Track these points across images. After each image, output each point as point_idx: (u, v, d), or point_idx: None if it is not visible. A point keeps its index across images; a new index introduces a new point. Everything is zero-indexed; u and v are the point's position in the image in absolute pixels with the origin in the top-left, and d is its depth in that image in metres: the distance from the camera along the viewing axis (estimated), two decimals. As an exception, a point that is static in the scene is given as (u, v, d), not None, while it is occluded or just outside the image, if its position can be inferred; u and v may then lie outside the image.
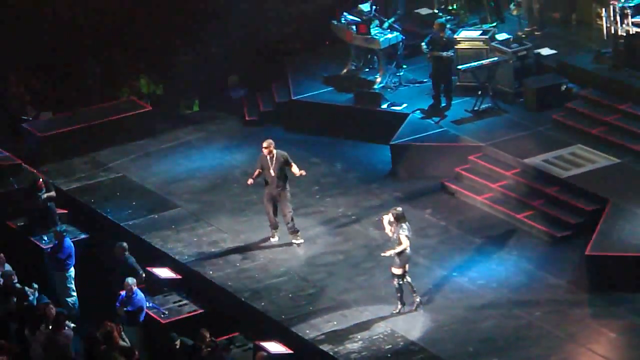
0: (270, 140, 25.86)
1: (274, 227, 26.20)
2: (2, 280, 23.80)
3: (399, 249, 23.09)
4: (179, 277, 24.91)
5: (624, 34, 28.66)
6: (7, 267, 24.47)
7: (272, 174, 25.54)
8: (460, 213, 26.82)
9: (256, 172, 25.78)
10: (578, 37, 30.71)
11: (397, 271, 23.28)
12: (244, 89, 32.59)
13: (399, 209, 23.37)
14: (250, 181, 26.04)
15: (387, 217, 23.24)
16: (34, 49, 31.76)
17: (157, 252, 25.95)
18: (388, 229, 23.24)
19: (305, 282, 24.90)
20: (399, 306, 23.49)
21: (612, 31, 29.01)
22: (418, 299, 23.47)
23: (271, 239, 26.25)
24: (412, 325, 23.11)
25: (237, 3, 32.48)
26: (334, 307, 23.97)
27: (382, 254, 23.27)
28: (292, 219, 26.00)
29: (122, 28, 32.58)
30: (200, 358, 22.23)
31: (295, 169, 25.79)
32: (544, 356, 22.10)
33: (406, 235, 23.09)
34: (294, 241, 26.07)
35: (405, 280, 23.35)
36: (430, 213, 26.00)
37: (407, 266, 23.30)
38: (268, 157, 25.58)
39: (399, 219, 23.17)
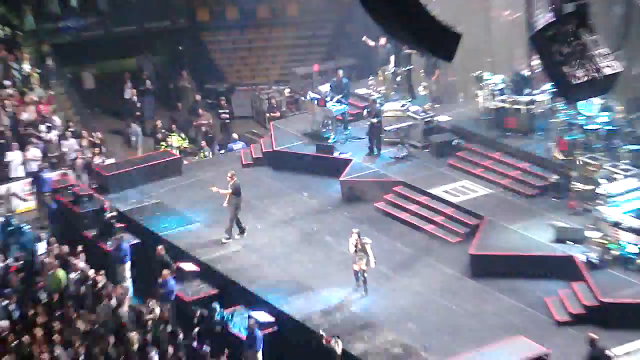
0: (233, 172, 26.15)
1: (241, 231, 26.20)
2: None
3: (371, 257, 23.01)
4: (198, 269, 24.94)
5: (494, 107, 28.74)
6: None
7: (228, 193, 25.71)
8: (388, 226, 26.72)
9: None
10: (464, 109, 30.57)
11: (365, 267, 23.16)
12: (242, 143, 32.61)
13: (357, 230, 23.33)
14: (214, 189, 26.06)
15: (352, 238, 23.08)
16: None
17: (183, 252, 25.84)
18: (352, 247, 23.07)
19: (282, 272, 24.85)
20: (363, 293, 23.33)
21: (486, 105, 29.05)
22: (366, 290, 23.37)
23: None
24: (362, 305, 23.14)
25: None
26: (302, 290, 23.93)
27: (371, 266, 23.13)
28: (231, 225, 25.95)
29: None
30: (213, 323, 22.32)
31: (222, 191, 25.84)
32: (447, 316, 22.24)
33: (369, 244, 23.07)
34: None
35: (365, 273, 23.27)
36: (367, 226, 25.99)
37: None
38: (230, 182, 25.73)
39: (360, 235, 23.16)
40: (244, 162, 31.11)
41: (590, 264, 22.84)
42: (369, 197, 28.06)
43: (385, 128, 29.57)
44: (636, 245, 22.67)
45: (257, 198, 28.65)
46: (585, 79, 15.06)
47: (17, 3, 36.04)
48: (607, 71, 15.20)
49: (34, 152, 30.66)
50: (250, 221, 27.13)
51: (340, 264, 24.63)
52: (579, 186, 25.12)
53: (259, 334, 21.27)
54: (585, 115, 26.51)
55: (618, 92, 23.52)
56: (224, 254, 25.75)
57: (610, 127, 26.22)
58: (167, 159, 30.83)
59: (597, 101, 26.16)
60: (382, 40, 31.39)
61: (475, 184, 27.46)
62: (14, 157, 30.61)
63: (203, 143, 33.31)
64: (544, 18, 19.57)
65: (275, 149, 30.97)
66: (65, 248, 25.15)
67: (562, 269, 23.23)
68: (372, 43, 31.49)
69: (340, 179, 28.69)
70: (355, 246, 23.10)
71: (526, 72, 28.88)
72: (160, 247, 24.68)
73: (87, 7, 37.52)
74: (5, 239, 26.42)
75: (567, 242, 23.85)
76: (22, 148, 30.76)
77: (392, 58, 31.67)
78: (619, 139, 25.99)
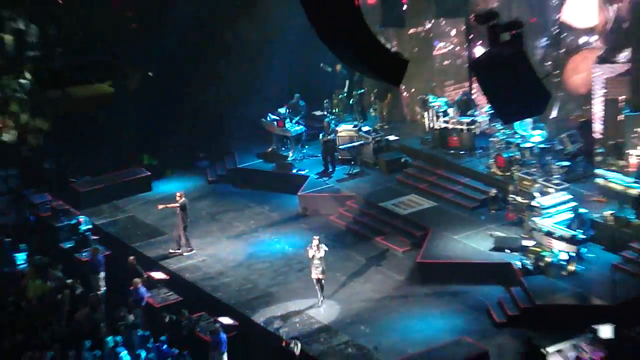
0: (182, 192, 26.19)
1: (179, 247, 26.20)
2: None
3: (323, 265, 23.01)
4: (167, 277, 24.87)
5: (438, 127, 28.90)
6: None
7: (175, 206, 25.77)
8: (342, 236, 26.76)
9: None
10: (411, 129, 30.67)
11: (321, 276, 23.18)
12: (207, 161, 32.49)
13: (318, 237, 23.29)
14: (161, 206, 26.23)
15: (312, 244, 22.99)
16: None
17: (153, 261, 25.78)
18: (310, 253, 23.02)
19: (245, 280, 24.85)
20: (320, 299, 23.25)
21: (431, 125, 29.18)
22: (322, 296, 23.35)
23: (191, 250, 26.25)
24: (320, 312, 23.13)
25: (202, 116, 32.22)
26: (264, 296, 23.95)
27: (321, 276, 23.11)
28: (180, 238, 25.98)
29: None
30: (181, 327, 22.25)
31: (169, 205, 25.98)
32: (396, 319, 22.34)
33: (324, 251, 23.02)
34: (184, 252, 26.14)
35: (322, 282, 23.24)
36: (324, 236, 25.97)
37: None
38: (179, 200, 25.79)
39: (320, 243, 23.13)
40: (209, 179, 31.05)
41: (526, 270, 22.98)
42: (324, 211, 28.10)
43: (339, 147, 29.65)
44: (567, 252, 22.86)
45: (221, 212, 28.70)
46: (520, 101, 15.21)
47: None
48: (539, 94, 15.36)
49: (14, 171, 30.38)
50: (216, 233, 27.28)
51: (299, 272, 24.72)
52: (515, 199, 25.34)
53: (224, 337, 21.23)
54: (520, 135, 26.76)
55: (545, 114, 23.99)
56: (191, 264, 25.71)
57: (543, 145, 26.47)
58: (138, 176, 30.69)
59: (530, 122, 26.44)
60: (338, 67, 31.48)
61: (422, 197, 27.57)
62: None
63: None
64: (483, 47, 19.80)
65: (238, 166, 30.93)
66: (44, 259, 25.01)
67: (500, 275, 23.34)
68: (328, 69, 31.55)
69: (299, 194, 28.73)
70: (312, 251, 23.03)
71: (468, 95, 29.06)
72: (132, 257, 24.61)
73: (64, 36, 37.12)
74: None
75: (505, 250, 24.00)
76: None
77: (346, 82, 31.80)
78: (551, 156, 26.23)
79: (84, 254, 25.84)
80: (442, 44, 31.17)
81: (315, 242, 23.03)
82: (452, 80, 30.98)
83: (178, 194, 26.12)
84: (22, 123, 32.24)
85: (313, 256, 23.04)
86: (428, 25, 31.01)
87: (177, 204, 25.79)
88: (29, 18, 35.20)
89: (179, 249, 26.06)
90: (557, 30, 27.57)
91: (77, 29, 36.44)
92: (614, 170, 24.59)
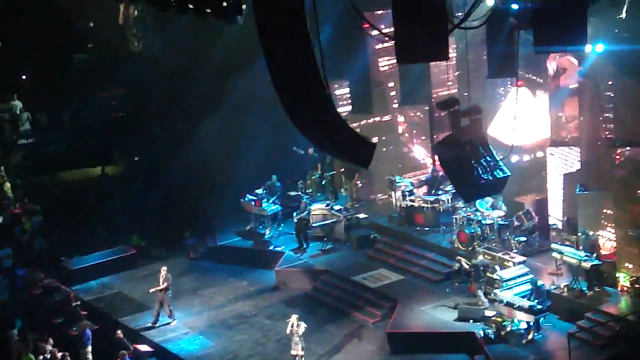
0: (165, 268, 26.03)
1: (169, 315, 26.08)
2: None
3: (302, 325, 22.72)
4: (152, 350, 24.60)
5: (405, 205, 28.99)
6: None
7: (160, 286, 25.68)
8: (317, 309, 26.54)
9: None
10: (379, 208, 30.70)
11: (301, 352, 22.87)
12: (194, 239, 32.16)
13: (297, 315, 23.04)
14: (152, 290, 25.99)
15: (290, 322, 22.78)
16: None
17: (138, 334, 25.50)
18: (289, 329, 22.80)
19: (225, 351, 24.59)
20: None
21: (398, 204, 29.29)
22: None
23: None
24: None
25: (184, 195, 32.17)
26: None
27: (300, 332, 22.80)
28: (169, 309, 25.92)
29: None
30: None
31: (159, 287, 25.78)
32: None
33: (303, 328, 22.78)
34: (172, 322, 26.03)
35: (302, 358, 22.93)
36: (299, 309, 25.84)
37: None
38: (163, 275, 25.73)
39: (299, 319, 22.91)
40: (192, 256, 30.91)
41: (489, 339, 22.94)
42: (299, 285, 27.94)
43: (312, 225, 29.66)
44: (526, 322, 22.85)
45: (203, 287, 28.53)
46: (481, 181, 15.33)
47: None
48: (498, 174, 15.51)
49: (7, 251, 30.13)
50: (197, 307, 27.14)
51: (276, 342, 24.53)
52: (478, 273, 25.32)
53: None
54: (481, 212, 26.91)
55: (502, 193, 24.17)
56: (174, 336, 25.48)
57: (502, 222, 26.61)
58: (125, 254, 30.51)
59: (489, 200, 26.62)
60: (310, 150, 31.65)
61: (390, 271, 27.53)
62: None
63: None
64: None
65: (218, 244, 30.84)
66: (35, 334, 24.69)
67: (465, 343, 23.24)
68: (301, 152, 31.70)
69: (275, 269, 28.64)
70: (292, 328, 22.83)
71: (437, 172, 29.11)
72: (119, 331, 24.35)
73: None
74: None
75: (469, 320, 23.96)
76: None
77: (319, 165, 31.93)
78: (509, 232, 26.35)
79: (73, 329, 25.49)
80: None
81: (294, 319, 22.83)
82: (415, 163, 31.22)
83: (162, 269, 26.01)
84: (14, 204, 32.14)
85: (292, 332, 22.80)
86: (394, 112, 31.36)
87: (164, 285, 25.72)
88: (22, 106, 35.41)
89: (156, 322, 25.90)
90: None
91: (67, 117, 36.62)
92: (568, 245, 24.68)
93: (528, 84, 26.93)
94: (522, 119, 26.12)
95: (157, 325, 25.88)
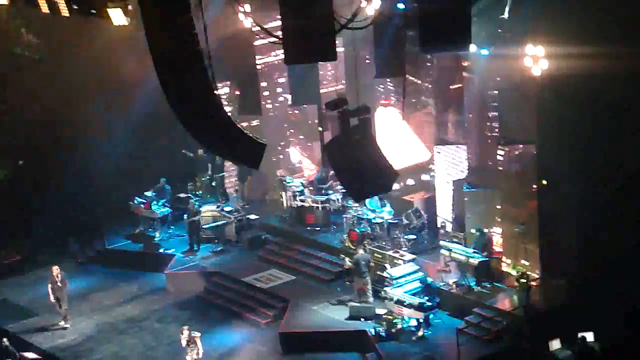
0: (57, 267, 25.69)
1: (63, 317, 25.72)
2: None
3: (200, 348, 22.40)
4: (40, 357, 24.02)
5: (296, 206, 29.03)
6: None
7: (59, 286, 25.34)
8: (208, 311, 26.36)
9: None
10: (270, 208, 30.63)
11: (195, 357, 22.43)
12: (77, 244, 31.53)
13: (187, 326, 22.76)
14: (51, 299, 25.59)
15: (184, 335, 22.43)
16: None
17: (25, 342, 24.91)
18: (184, 341, 22.42)
19: (116, 357, 24.27)
20: None
21: (289, 204, 29.28)
22: None
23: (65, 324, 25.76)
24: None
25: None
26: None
27: (199, 356, 22.40)
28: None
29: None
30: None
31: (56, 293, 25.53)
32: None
33: (199, 337, 22.53)
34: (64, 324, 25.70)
35: None
36: (190, 312, 25.61)
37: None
38: (58, 277, 25.34)
39: (191, 331, 22.61)
40: (79, 260, 30.32)
41: (380, 337, 23.11)
42: (191, 287, 27.68)
43: (203, 226, 29.43)
44: (416, 319, 23.11)
45: (92, 292, 28.06)
46: (369, 180, 15.42)
47: None
48: (387, 174, 15.62)
49: None
50: (87, 312, 26.68)
51: (167, 345, 24.24)
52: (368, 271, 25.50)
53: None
54: (370, 211, 27.12)
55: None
56: (62, 342, 25.02)
57: (392, 220, 26.87)
58: (10, 260, 29.77)
59: (377, 199, 26.87)
60: (200, 152, 31.37)
61: (281, 271, 27.51)
62: None
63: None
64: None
65: (107, 247, 30.35)
66: None
67: (356, 341, 23.39)
68: (190, 155, 31.40)
69: (166, 272, 28.31)
70: (187, 341, 22.54)
71: (326, 171, 29.20)
72: (4, 338, 23.66)
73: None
74: None
75: (360, 318, 24.09)
76: None
77: (209, 166, 31.71)
78: (399, 230, 26.63)
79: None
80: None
81: (186, 332, 22.55)
82: (308, 160, 31.22)
83: (54, 268, 25.56)
84: None
85: (188, 342, 22.46)
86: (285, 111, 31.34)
87: (62, 285, 25.37)
88: None
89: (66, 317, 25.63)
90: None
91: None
92: (456, 242, 25.05)
93: (397, 102, 27.49)
94: (395, 141, 26.70)
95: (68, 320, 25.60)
